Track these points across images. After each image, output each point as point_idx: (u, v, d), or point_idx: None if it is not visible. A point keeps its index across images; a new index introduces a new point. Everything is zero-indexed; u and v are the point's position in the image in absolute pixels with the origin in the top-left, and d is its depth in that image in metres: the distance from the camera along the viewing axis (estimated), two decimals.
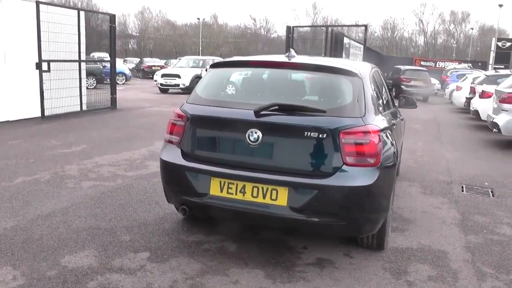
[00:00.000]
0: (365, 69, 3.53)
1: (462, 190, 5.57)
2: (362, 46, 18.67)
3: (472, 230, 4.21)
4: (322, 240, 3.66)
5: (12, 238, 3.51)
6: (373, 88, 3.49)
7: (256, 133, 2.99)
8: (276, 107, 3.03)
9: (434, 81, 23.11)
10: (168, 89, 17.85)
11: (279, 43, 68.91)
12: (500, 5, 42.61)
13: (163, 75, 17.55)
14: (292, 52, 3.61)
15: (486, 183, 5.92)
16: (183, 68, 18.19)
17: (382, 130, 3.16)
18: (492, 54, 34.36)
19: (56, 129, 8.56)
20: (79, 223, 3.85)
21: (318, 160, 2.99)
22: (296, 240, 3.65)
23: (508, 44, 35.04)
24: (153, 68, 27.20)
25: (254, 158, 3.06)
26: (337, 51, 15.01)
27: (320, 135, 2.93)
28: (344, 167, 2.94)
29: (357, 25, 16.84)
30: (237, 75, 3.72)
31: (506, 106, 8.24)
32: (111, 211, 4.20)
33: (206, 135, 3.27)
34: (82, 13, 10.41)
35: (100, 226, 3.82)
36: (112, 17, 11.27)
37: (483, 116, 10.57)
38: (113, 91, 11.57)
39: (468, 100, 12.81)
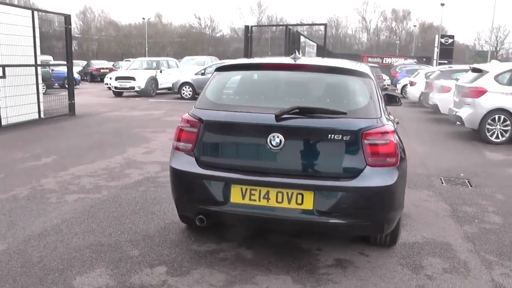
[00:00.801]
0: (369, 70, 3.57)
1: (442, 183, 5.79)
2: (315, 45, 19.05)
3: (464, 220, 4.38)
4: (333, 241, 3.67)
5: (7, 263, 3.24)
6: (378, 88, 3.54)
7: (278, 137, 2.94)
8: (297, 110, 2.99)
9: (385, 76, 24.00)
10: (123, 92, 17.29)
11: (224, 42, 68.85)
12: (442, 4, 45.01)
13: (117, 78, 16.97)
14: (297, 54, 3.58)
15: (461, 174, 6.20)
16: (138, 70, 17.69)
17: (395, 130, 3.22)
18: (436, 50, 36.19)
19: (19, 139, 8.03)
20: (78, 241, 3.62)
21: (342, 162, 2.99)
22: (308, 242, 3.63)
23: (451, 40, 37.07)
24: (101, 70, 26.25)
25: (276, 163, 3.00)
26: (294, 49, 15.17)
27: (344, 137, 2.93)
28: (367, 168, 2.96)
29: (316, 24, 17.14)
30: (248, 78, 3.63)
31: (468, 100, 8.67)
32: (107, 225, 3.98)
33: (223, 141, 3.17)
34: (36, 14, 9.81)
35: (102, 242, 3.61)
36: (68, 18, 10.69)
37: (443, 110, 11.07)
38: (71, 97, 11.02)
39: (424, 94, 13.37)
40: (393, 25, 77.94)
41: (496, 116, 8.37)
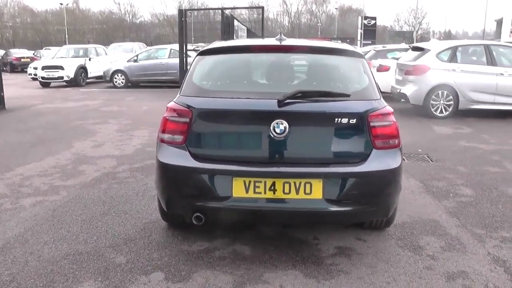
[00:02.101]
0: (360, 50, 3.44)
1: (404, 159, 5.90)
2: (245, 28, 18.80)
3: (440, 195, 4.48)
4: (326, 229, 3.55)
5: None
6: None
7: (282, 124, 2.72)
8: (299, 95, 2.78)
9: None
10: (50, 82, 15.99)
11: (146, 28, 66.37)
12: None
13: (44, 68, 15.62)
14: (282, 35, 3.35)
15: (419, 150, 6.37)
16: (65, 59, 16.40)
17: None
18: (360, 31, 37.45)
19: None
20: (51, 251, 3.19)
21: (350, 146, 2.85)
22: (302, 232, 3.48)
23: (373, 22, 38.52)
24: (22, 60, 24.12)
25: (280, 152, 2.79)
26: (229, 34, 14.86)
27: (350, 120, 2.78)
28: (374, 151, 2.85)
29: (254, 7, 16.87)
30: (238, 61, 3.33)
31: (411, 77, 8.96)
32: (79, 230, 3.56)
33: (220, 131, 2.88)
34: None
35: (79, 250, 3.21)
36: None
37: (384, 88, 11.37)
38: (0, 89, 9.90)
39: None
40: (314, 8, 79.59)
41: (440, 92, 8.74)
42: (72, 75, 15.52)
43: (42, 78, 15.68)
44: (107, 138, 7.11)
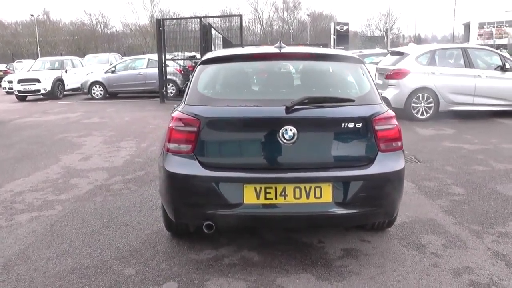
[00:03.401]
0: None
1: None
2: (221, 36, 18.84)
3: (433, 195, 4.59)
4: (329, 231, 3.60)
5: None
6: None
7: (291, 130, 2.76)
8: (306, 101, 2.83)
9: None
10: (27, 96, 15.64)
11: (119, 38, 65.74)
12: None
13: (20, 81, 15.26)
14: (282, 43, 3.41)
15: (406, 152, 6.48)
16: (41, 71, 16.07)
17: None
18: (333, 37, 37.96)
19: None
20: (55, 267, 3.13)
21: (356, 150, 2.91)
22: (306, 236, 3.52)
23: (346, 27, 39.10)
24: None
25: (290, 157, 2.82)
26: (208, 42, 14.88)
27: (356, 125, 2.84)
28: (379, 154, 2.92)
29: (231, 15, 16.90)
30: (241, 70, 3.35)
31: (392, 81, 9.17)
32: (81, 244, 3.50)
33: (230, 139, 2.90)
34: None
35: (85, 264, 3.16)
36: None
37: None
38: None
39: None
40: (285, 15, 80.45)
41: (420, 95, 8.96)
42: (49, 88, 15.21)
43: (19, 91, 15.32)
44: (94, 150, 7.01)
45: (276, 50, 3.29)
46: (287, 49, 3.34)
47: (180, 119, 2.93)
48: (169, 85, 14.21)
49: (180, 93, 14.92)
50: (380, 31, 65.61)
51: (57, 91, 15.58)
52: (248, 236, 3.52)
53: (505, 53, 12.45)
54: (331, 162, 2.88)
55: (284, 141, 2.77)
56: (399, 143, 3.04)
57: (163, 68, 13.49)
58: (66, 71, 16.29)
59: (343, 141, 2.89)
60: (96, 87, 14.93)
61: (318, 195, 2.79)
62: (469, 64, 9.04)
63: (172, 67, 14.05)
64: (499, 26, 55.13)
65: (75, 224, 3.93)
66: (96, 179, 5.36)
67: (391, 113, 3.05)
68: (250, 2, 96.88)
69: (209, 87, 3.14)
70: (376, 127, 2.90)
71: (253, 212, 2.79)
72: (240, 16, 14.17)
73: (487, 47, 10.33)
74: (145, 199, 4.57)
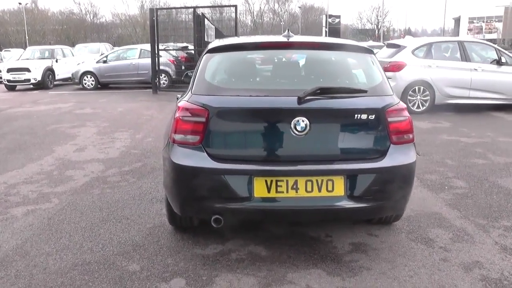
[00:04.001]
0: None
1: None
2: (213, 27, 18.63)
3: (436, 188, 4.56)
4: (336, 225, 3.54)
5: None
6: None
7: (303, 121, 2.67)
8: (318, 91, 2.74)
9: None
10: (16, 85, 15.31)
11: (108, 28, 64.84)
12: None
13: (9, 70, 14.90)
14: (290, 32, 3.31)
15: None
16: (32, 61, 15.73)
17: None
18: (325, 30, 37.78)
19: None
20: (56, 263, 3.02)
21: (369, 142, 2.84)
22: (312, 230, 3.45)
23: (337, 20, 38.94)
24: None
25: (302, 149, 2.74)
26: (201, 33, 14.71)
27: (369, 116, 2.77)
28: (392, 146, 2.85)
29: (226, 6, 16.69)
30: (249, 58, 3.25)
31: (388, 74, 9.07)
32: (81, 238, 3.40)
33: (240, 130, 2.79)
34: None
35: (87, 259, 3.06)
36: None
37: None
38: None
39: None
40: (276, 7, 80.00)
41: (416, 88, 8.93)
42: (39, 78, 14.90)
43: (8, 81, 14.98)
44: (88, 141, 6.87)
45: (284, 39, 3.19)
46: (296, 38, 3.24)
47: (187, 109, 2.82)
48: (161, 75, 14.01)
49: (172, 83, 14.74)
50: (372, 24, 65.62)
51: (48, 81, 15.27)
52: (253, 230, 3.45)
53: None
54: (343, 155, 2.80)
55: (296, 132, 2.69)
56: (411, 136, 2.97)
57: (156, 58, 13.28)
58: (56, 61, 15.97)
59: (355, 133, 2.82)
60: (87, 77, 14.67)
61: (330, 188, 2.71)
62: (465, 57, 9.03)
63: (164, 58, 13.84)
64: (488, 21, 55.46)
65: (73, 218, 3.81)
66: (92, 171, 5.24)
67: (403, 104, 2.99)
68: None
69: (218, 76, 3.04)
70: (389, 119, 2.83)
71: (264, 206, 2.71)
72: (235, 6, 13.94)
73: (483, 41, 10.33)
74: (144, 192, 4.47)
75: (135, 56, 14.90)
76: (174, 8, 16.17)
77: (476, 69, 8.91)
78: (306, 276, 2.79)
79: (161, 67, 13.63)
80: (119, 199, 4.27)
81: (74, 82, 14.97)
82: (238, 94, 2.82)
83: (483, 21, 55.92)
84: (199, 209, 2.86)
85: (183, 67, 15.64)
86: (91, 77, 14.65)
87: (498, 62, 8.99)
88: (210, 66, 3.01)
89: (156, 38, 13.33)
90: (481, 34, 53.84)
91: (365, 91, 2.86)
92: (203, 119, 2.74)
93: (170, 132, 2.90)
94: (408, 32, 75.17)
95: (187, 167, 2.75)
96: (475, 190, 4.53)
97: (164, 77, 14.33)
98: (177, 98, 4.42)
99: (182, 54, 15.97)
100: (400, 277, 2.80)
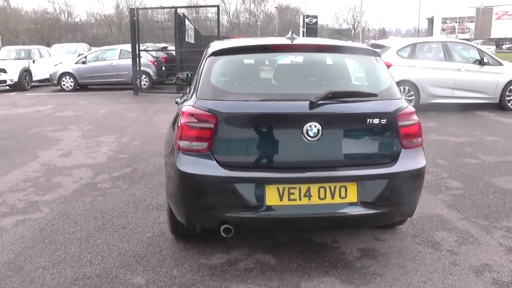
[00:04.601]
0: None
1: None
2: (193, 27, 18.42)
3: (433, 190, 4.57)
4: (341, 230, 3.48)
5: None
6: None
7: (315, 126, 2.59)
8: (329, 95, 2.67)
9: None
10: None
11: (83, 28, 63.58)
12: None
13: None
14: (294, 34, 3.22)
15: None
16: (7, 61, 15.17)
17: None
18: (303, 30, 37.94)
19: None
20: (54, 278, 2.86)
21: (381, 146, 2.78)
22: (318, 236, 3.38)
23: (314, 20, 39.15)
24: None
25: (314, 155, 2.66)
26: (182, 33, 14.52)
27: (381, 121, 2.71)
28: (403, 150, 2.81)
29: (208, 6, 16.44)
30: (256, 61, 3.15)
31: None
32: (78, 250, 3.24)
33: (250, 136, 2.68)
34: None
35: (87, 273, 2.91)
36: None
37: None
38: None
39: None
40: (252, 7, 79.99)
41: (401, 88, 8.98)
42: (16, 79, 14.38)
43: None
44: (73, 145, 6.64)
45: (288, 42, 3.11)
46: (301, 40, 3.17)
47: (192, 115, 2.70)
48: (142, 76, 13.75)
49: (153, 84, 14.48)
50: (348, 24, 66.31)
51: (25, 82, 14.76)
52: (258, 238, 3.35)
53: None
54: (354, 160, 2.74)
55: (308, 138, 2.61)
56: (420, 139, 2.94)
57: (137, 59, 13.03)
58: (33, 61, 15.47)
59: (366, 137, 2.76)
60: (66, 78, 14.26)
61: (343, 195, 2.65)
62: (448, 57, 9.14)
63: (145, 59, 13.57)
64: (461, 21, 56.78)
65: (67, 228, 3.64)
66: (81, 177, 5.05)
67: (412, 108, 2.95)
68: None
69: (224, 80, 2.93)
70: (400, 123, 2.78)
71: (276, 214, 2.62)
72: (217, 6, 13.79)
73: (465, 41, 10.51)
74: (138, 199, 4.32)
75: (114, 56, 14.58)
76: (155, 8, 15.84)
77: (459, 69, 9.03)
78: (320, 285, 2.71)
79: (141, 68, 13.37)
80: (113, 207, 4.11)
81: (52, 83, 14.53)
82: (248, 99, 2.71)
83: (456, 22, 57.24)
84: (208, 218, 2.74)
85: (163, 68, 15.42)
86: (70, 78, 14.26)
87: (481, 62, 9.13)
88: (215, 70, 2.90)
89: (137, 39, 13.07)
90: (454, 34, 55.08)
91: (375, 95, 2.81)
92: (211, 125, 2.63)
93: (175, 139, 2.78)
94: (382, 32, 76.30)
95: (195, 176, 2.64)
96: (471, 190, 4.55)
97: (145, 78, 14.07)
98: (177, 102, 4.28)
99: (162, 54, 15.74)
100: (414, 283, 2.76)
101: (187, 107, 2.79)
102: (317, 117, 2.61)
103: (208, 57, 2.97)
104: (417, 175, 2.85)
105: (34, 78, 15.31)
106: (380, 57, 3.15)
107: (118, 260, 3.07)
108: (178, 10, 13.91)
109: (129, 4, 63.12)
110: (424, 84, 8.95)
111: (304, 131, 2.60)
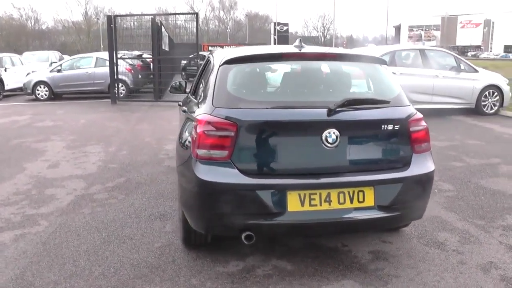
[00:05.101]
0: None
1: None
2: (167, 35, 18.34)
3: None
4: (348, 234, 3.54)
5: None
6: None
7: (334, 133, 2.66)
8: (346, 102, 2.74)
9: None
10: None
11: (50, 35, 62.27)
12: None
13: None
14: (302, 42, 3.29)
15: None
16: None
17: None
18: (274, 37, 38.33)
19: None
20: None
21: (395, 152, 2.88)
22: (327, 241, 3.44)
23: (285, 28, 39.61)
24: None
25: (332, 161, 2.72)
26: (159, 41, 14.46)
27: (395, 127, 2.81)
28: (414, 155, 2.91)
29: (187, 13, 16.35)
30: (272, 69, 3.19)
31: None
32: (88, 263, 3.17)
33: (271, 144, 2.71)
34: None
35: (102, 286, 2.85)
36: None
37: None
38: None
39: None
40: (221, 15, 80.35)
41: None
42: None
43: None
44: (59, 156, 6.49)
45: (296, 50, 3.17)
46: (307, 49, 3.23)
47: (210, 123, 2.71)
48: (119, 85, 13.55)
49: (130, 93, 14.30)
50: (317, 31, 67.35)
51: None
52: (269, 244, 3.38)
53: None
54: (371, 165, 2.82)
55: (328, 144, 2.66)
56: (428, 144, 3.05)
57: (115, 67, 12.85)
58: (5, 70, 15.01)
59: (381, 143, 2.85)
60: (40, 87, 13.88)
61: (361, 199, 2.71)
62: (426, 64, 9.44)
63: (121, 67, 13.39)
64: (427, 29, 58.64)
65: (70, 241, 3.56)
66: (74, 189, 4.94)
67: (420, 114, 3.06)
68: (186, 1, 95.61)
69: (241, 88, 2.96)
70: (411, 129, 2.89)
71: (298, 220, 2.66)
72: (196, 14, 13.80)
73: (443, 49, 10.89)
74: (138, 209, 4.27)
75: (90, 64, 14.32)
76: (133, 15, 15.63)
77: (437, 76, 9.34)
78: None
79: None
80: (114, 218, 4.05)
81: (26, 92, 14.11)
82: (266, 107, 2.75)
83: (422, 29, 59.10)
84: (229, 226, 2.75)
85: (140, 76, 15.25)
86: (44, 87, 13.89)
87: (457, 69, 9.47)
88: (231, 78, 2.92)
89: (114, 46, 12.90)
90: (421, 41, 56.80)
91: (388, 102, 2.90)
92: (232, 133, 2.65)
93: (192, 147, 2.78)
94: (350, 39, 77.82)
95: (217, 184, 2.64)
96: (463, 192, 4.71)
97: (122, 86, 13.87)
98: (180, 105, 4.25)
99: (138, 62, 15.57)
100: (429, 283, 2.84)
101: (204, 115, 2.79)
102: (336, 124, 2.68)
103: (222, 65, 2.99)
104: (428, 178, 2.96)
105: (6, 87, 14.84)
106: (386, 64, 3.26)
107: (132, 272, 3.03)
108: (155, 17, 13.82)
109: (97, 11, 62.30)
110: (404, 90, 9.18)
111: (323, 138, 2.66)
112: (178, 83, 4.93)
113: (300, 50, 3.16)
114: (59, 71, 14.12)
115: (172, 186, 4.96)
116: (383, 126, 2.78)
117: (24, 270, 3.09)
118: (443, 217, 3.99)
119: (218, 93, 2.85)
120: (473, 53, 49.10)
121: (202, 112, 2.86)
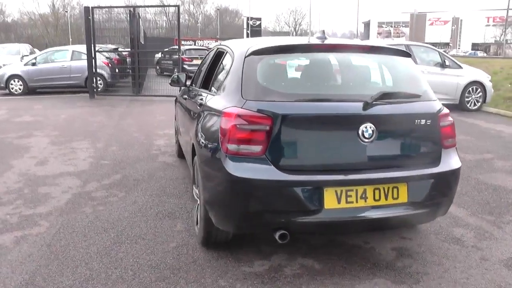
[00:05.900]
0: None
1: None
2: (142, 28, 17.93)
3: None
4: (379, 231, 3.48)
5: None
6: None
7: (370, 128, 2.59)
8: (381, 96, 2.67)
9: None
10: None
11: (17, 28, 60.00)
12: None
13: None
14: (325, 34, 3.20)
15: None
16: None
17: None
18: (247, 32, 38.10)
19: None
20: None
21: (426, 147, 2.84)
22: (348, 238, 3.38)
23: (258, 22, 39.45)
24: None
25: (368, 157, 2.65)
26: (139, 33, 14.13)
27: (427, 121, 2.77)
28: (443, 150, 2.88)
29: (167, 6, 15.88)
30: (302, 61, 3.07)
31: None
32: (102, 265, 3.00)
33: (307, 138, 2.61)
34: None
35: None
36: None
37: None
38: None
39: None
40: (191, 9, 79.37)
41: None
42: None
43: None
44: (46, 153, 6.19)
45: (318, 41, 3.09)
46: (330, 41, 3.14)
47: (241, 116, 2.58)
48: (97, 79, 13.13)
49: (108, 87, 13.88)
50: (289, 26, 67.50)
51: None
52: (288, 242, 3.28)
53: None
54: (404, 161, 2.77)
55: (364, 139, 2.59)
56: (454, 140, 3.03)
57: (93, 60, 12.44)
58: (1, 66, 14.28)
59: (413, 138, 2.81)
60: (14, 81, 13.28)
61: (395, 195, 2.66)
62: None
63: (99, 60, 12.96)
64: (396, 26, 59.71)
65: (78, 242, 3.37)
66: (69, 187, 4.71)
67: (447, 109, 3.03)
68: None
69: (271, 80, 2.84)
70: (441, 123, 2.85)
71: (334, 217, 2.58)
72: (177, 6, 13.49)
73: (428, 45, 11.03)
74: (143, 207, 4.10)
75: (66, 58, 13.81)
76: (112, 7, 15.12)
77: (422, 71, 9.40)
78: (375, 286, 2.71)
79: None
80: (119, 217, 3.87)
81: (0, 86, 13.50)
82: (301, 99, 2.65)
83: (392, 26, 60.13)
84: (261, 224, 2.64)
85: (117, 70, 14.84)
86: (18, 81, 13.30)
87: (442, 65, 9.61)
88: (260, 69, 2.78)
89: (92, 39, 12.48)
90: (390, 38, 57.77)
91: (418, 96, 2.86)
92: (267, 127, 2.53)
93: (222, 142, 2.64)
94: (322, 34, 78.38)
95: (251, 181, 2.52)
96: (465, 187, 4.75)
97: (100, 80, 13.45)
98: (181, 98, 3.98)
99: (114, 56, 15.14)
100: (459, 280, 2.82)
101: (234, 108, 2.65)
102: (372, 118, 2.61)
103: (248, 56, 2.85)
104: (457, 174, 2.94)
105: None
106: (411, 57, 3.21)
107: (152, 274, 2.88)
108: (133, 10, 13.45)
109: (65, 4, 60.38)
110: None
111: (360, 132, 2.59)
112: (176, 77, 4.83)
113: (323, 42, 3.08)
114: (33, 64, 13.54)
115: (173, 183, 4.81)
116: (416, 120, 2.74)
117: (33, 274, 2.89)
118: (453, 213, 3.99)
119: (247, 85, 2.72)
120: (441, 50, 50.34)
121: (229, 105, 2.73)
